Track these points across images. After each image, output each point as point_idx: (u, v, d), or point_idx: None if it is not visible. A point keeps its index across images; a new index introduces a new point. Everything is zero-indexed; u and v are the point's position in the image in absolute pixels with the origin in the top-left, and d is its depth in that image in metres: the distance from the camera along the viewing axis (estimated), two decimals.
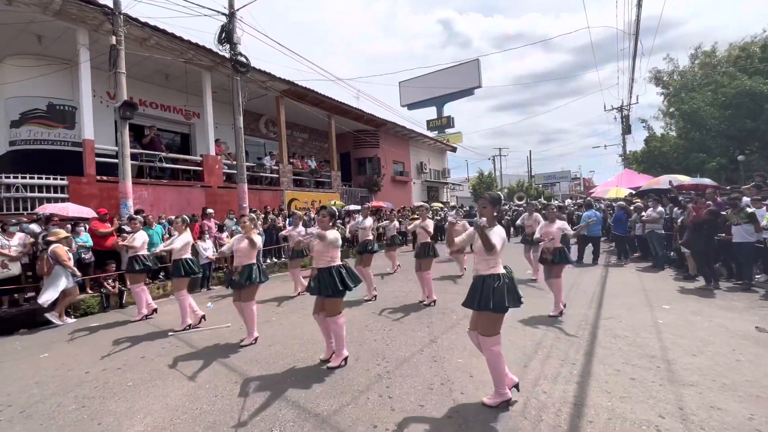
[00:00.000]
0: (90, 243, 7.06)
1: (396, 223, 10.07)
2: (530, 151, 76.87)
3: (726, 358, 3.56)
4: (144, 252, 6.15)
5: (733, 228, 6.42)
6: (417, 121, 31.40)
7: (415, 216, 14.42)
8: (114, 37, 7.95)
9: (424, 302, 5.98)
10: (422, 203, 6.60)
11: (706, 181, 10.74)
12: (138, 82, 11.41)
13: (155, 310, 6.19)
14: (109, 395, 3.36)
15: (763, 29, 21.09)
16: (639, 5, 8.63)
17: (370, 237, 6.76)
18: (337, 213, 3.94)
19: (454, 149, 30.32)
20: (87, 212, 7.49)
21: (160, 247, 5.93)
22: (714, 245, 6.73)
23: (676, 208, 8.72)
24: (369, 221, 6.94)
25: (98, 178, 8.94)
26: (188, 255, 5.52)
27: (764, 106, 17.08)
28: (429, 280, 6.00)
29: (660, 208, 8.81)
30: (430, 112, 35.70)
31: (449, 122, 33.96)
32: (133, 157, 9.55)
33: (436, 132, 32.60)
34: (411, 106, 36.48)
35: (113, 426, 2.85)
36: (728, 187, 9.19)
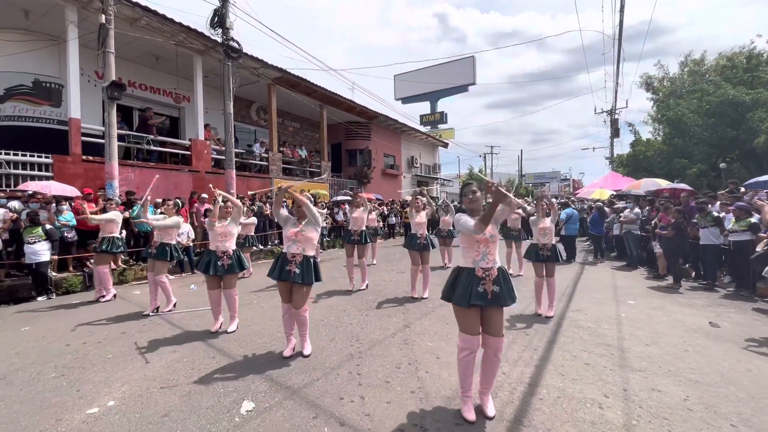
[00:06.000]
0: (74, 222, 7.07)
1: (373, 215, 10.07)
2: (521, 150, 77.50)
3: (676, 348, 3.81)
4: (116, 234, 6.03)
5: (701, 231, 6.73)
6: (410, 115, 31.48)
7: (404, 209, 14.61)
8: (104, 16, 7.87)
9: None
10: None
11: (683, 186, 11.09)
12: (127, 62, 11.29)
13: (115, 296, 6.10)
14: (88, 366, 3.48)
15: (750, 41, 21.64)
16: (621, 11, 8.85)
17: (364, 228, 6.82)
18: (313, 201, 3.98)
19: (445, 145, 30.51)
20: (70, 191, 7.49)
21: (150, 220, 5.43)
22: (684, 246, 7.06)
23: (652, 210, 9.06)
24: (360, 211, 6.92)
25: (84, 157, 8.90)
26: (174, 240, 5.45)
27: (745, 115, 17.59)
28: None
29: (637, 210, 9.13)
30: (424, 107, 35.77)
31: (442, 118, 34.12)
32: (121, 138, 9.51)
33: (429, 127, 32.74)
34: (405, 100, 36.49)
35: (91, 393, 2.98)
36: (701, 193, 9.54)
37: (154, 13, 9.47)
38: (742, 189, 8.97)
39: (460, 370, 2.61)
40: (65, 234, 6.90)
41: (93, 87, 10.53)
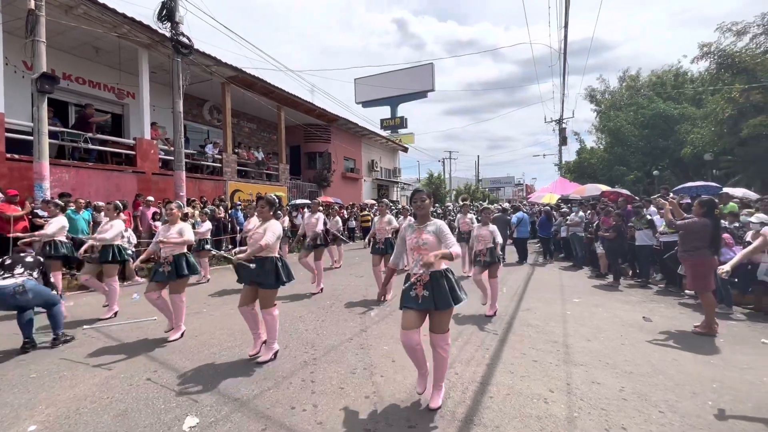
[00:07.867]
0: None
1: (337, 218, 10.16)
2: (478, 156, 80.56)
3: (613, 342, 4.09)
4: (61, 238, 5.70)
5: (636, 232, 7.30)
6: (370, 119, 31.67)
7: (365, 213, 14.68)
8: (33, 1, 7.19)
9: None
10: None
11: (624, 191, 12.00)
12: (62, 53, 10.41)
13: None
14: (5, 387, 3.11)
15: (678, 60, 24.00)
16: (565, 27, 9.51)
17: (320, 231, 6.81)
18: (277, 202, 3.89)
19: (405, 149, 30.95)
20: None
21: (96, 236, 5.39)
22: (623, 247, 7.61)
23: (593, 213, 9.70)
24: (319, 216, 6.92)
25: (8, 156, 8.04)
26: (119, 242, 5.40)
27: (674, 127, 19.44)
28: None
29: (581, 213, 9.74)
30: (384, 111, 36.14)
31: (402, 122, 34.62)
32: (54, 135, 8.71)
33: (389, 131, 33.06)
34: (366, 104, 36.68)
35: (9, 418, 2.66)
36: (637, 198, 10.36)
37: (93, 1, 8.79)
38: (671, 194, 9.86)
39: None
40: None
41: (20, 78, 9.56)
